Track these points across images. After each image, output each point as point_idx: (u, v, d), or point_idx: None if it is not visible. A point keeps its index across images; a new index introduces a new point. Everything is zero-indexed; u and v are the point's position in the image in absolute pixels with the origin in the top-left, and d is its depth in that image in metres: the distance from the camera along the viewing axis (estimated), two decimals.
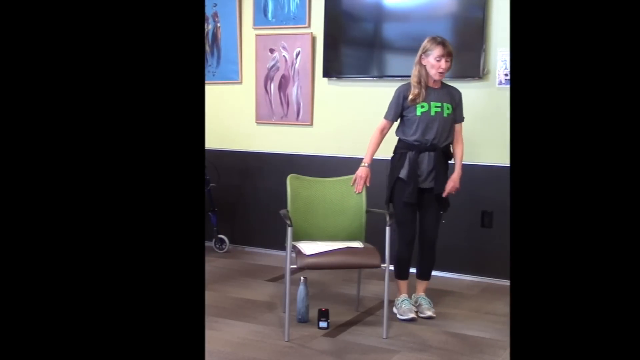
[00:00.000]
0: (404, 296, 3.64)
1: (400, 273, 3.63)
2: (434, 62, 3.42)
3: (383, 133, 3.60)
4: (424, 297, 3.68)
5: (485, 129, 4.37)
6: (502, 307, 3.84)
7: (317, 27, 4.80)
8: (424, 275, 3.70)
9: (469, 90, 4.37)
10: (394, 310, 3.57)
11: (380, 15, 4.61)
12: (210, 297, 3.89)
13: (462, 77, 4.37)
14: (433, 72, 3.44)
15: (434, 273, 3.76)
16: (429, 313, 3.58)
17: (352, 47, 4.73)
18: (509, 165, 4.13)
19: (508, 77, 4.27)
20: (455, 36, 4.38)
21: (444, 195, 3.55)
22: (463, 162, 4.18)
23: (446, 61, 3.43)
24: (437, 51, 3.41)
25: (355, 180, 3.59)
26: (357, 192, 3.58)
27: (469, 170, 4.35)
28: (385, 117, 3.58)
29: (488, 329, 3.47)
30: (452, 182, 3.60)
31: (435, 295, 3.89)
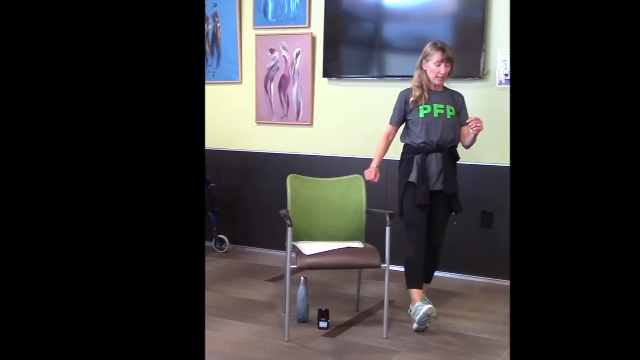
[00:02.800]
0: (419, 304, 3.45)
1: (413, 281, 3.49)
2: (433, 67, 3.45)
3: (389, 139, 3.61)
4: (425, 297, 3.67)
5: (486, 129, 4.35)
6: (502, 307, 3.84)
7: (317, 27, 4.80)
8: (426, 277, 3.67)
9: (469, 90, 4.36)
10: (411, 314, 3.45)
11: (380, 15, 4.61)
12: (210, 297, 3.89)
13: (462, 77, 4.36)
14: (432, 77, 3.47)
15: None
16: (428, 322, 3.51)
17: (352, 47, 4.73)
18: (509, 165, 4.13)
19: (508, 77, 4.27)
20: (455, 36, 4.38)
21: (474, 125, 3.39)
22: (464, 162, 4.19)
23: (446, 66, 3.44)
24: (436, 56, 3.44)
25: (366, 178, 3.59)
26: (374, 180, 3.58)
27: (469, 170, 4.35)
28: (390, 122, 3.60)
29: (488, 329, 3.47)
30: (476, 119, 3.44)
31: (436, 295, 3.89)
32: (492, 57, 4.32)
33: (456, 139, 3.58)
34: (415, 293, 3.49)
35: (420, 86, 3.48)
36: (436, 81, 3.48)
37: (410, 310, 3.48)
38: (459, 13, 4.36)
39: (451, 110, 3.51)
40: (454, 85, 4.24)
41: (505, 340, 3.30)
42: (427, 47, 3.49)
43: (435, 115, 3.47)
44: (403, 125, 3.61)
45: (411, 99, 3.49)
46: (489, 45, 4.31)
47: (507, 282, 4.31)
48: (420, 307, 3.39)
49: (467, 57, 4.33)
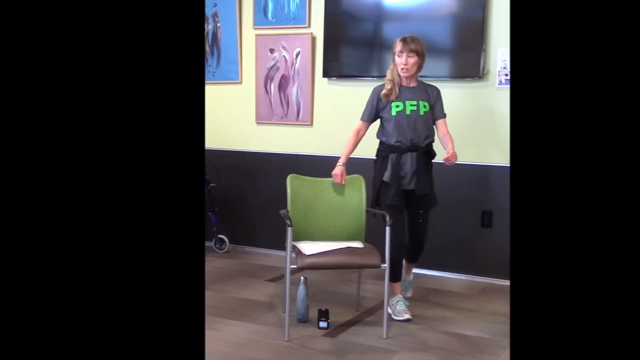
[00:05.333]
0: (399, 297, 3.64)
1: (393, 276, 3.57)
2: (397, 58, 3.46)
3: (359, 135, 3.61)
4: (406, 278, 3.79)
5: (486, 129, 4.37)
6: (502, 307, 3.84)
7: (317, 27, 4.80)
8: (412, 260, 3.80)
9: (469, 90, 4.37)
10: (389, 310, 3.55)
11: (380, 15, 4.61)
12: (210, 297, 3.89)
13: (462, 77, 4.37)
14: (398, 69, 3.48)
15: (433, 273, 3.76)
16: (408, 294, 3.74)
17: (352, 47, 4.73)
18: (509, 165, 4.13)
19: (508, 77, 4.27)
20: (455, 36, 4.38)
21: (447, 158, 3.40)
22: (463, 162, 4.18)
23: (408, 56, 3.44)
24: (397, 47, 3.46)
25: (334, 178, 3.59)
26: (341, 184, 3.57)
27: (469, 170, 4.36)
28: (361, 119, 3.60)
29: (488, 329, 3.47)
30: (451, 153, 3.43)
31: (436, 295, 3.89)
32: (492, 57, 4.31)
33: (431, 135, 3.56)
34: (395, 286, 3.66)
35: (392, 80, 3.49)
36: (402, 73, 3.47)
37: (392, 302, 3.61)
38: (459, 13, 4.36)
39: (424, 106, 3.51)
40: (455, 85, 4.25)
41: (505, 340, 3.30)
42: (395, 41, 3.51)
43: (408, 112, 3.47)
44: (379, 122, 3.60)
45: (382, 91, 3.50)
46: (489, 45, 4.31)
47: (507, 282, 4.31)
48: (402, 306, 3.58)
49: (467, 57, 4.33)
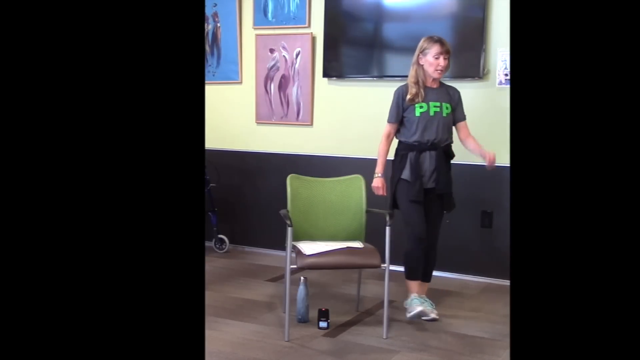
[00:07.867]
0: (414, 295, 3.55)
1: (412, 272, 3.53)
2: (432, 60, 3.43)
3: (390, 138, 3.58)
4: (426, 298, 3.64)
5: (485, 129, 4.36)
6: (502, 307, 3.84)
7: (317, 27, 4.80)
8: (425, 276, 3.66)
9: (469, 90, 4.37)
10: (406, 307, 3.51)
11: (380, 15, 4.61)
12: (210, 297, 3.89)
13: (462, 77, 4.37)
14: (431, 70, 3.44)
15: (433, 273, 3.75)
16: (433, 315, 3.52)
17: (352, 47, 4.73)
18: (509, 165, 4.13)
19: (508, 77, 4.27)
20: (455, 36, 4.38)
21: (490, 165, 3.53)
22: (463, 162, 4.17)
23: (444, 59, 3.43)
24: (435, 49, 3.42)
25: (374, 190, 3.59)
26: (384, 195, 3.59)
27: (469, 170, 4.35)
28: (389, 121, 3.56)
29: (488, 329, 3.47)
30: (489, 155, 3.54)
31: (436, 295, 3.89)
32: (492, 57, 4.32)
33: (450, 136, 3.57)
34: (413, 284, 3.56)
35: (417, 82, 3.46)
36: (435, 75, 3.45)
37: (407, 302, 3.55)
38: (459, 13, 4.36)
39: (447, 108, 3.50)
40: (455, 85, 4.24)
41: (505, 340, 3.30)
42: (423, 42, 3.47)
43: (432, 113, 3.46)
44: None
45: (408, 96, 3.46)
46: (489, 45, 4.31)
47: (507, 282, 4.31)
48: (417, 303, 3.48)
49: (467, 57, 4.33)
